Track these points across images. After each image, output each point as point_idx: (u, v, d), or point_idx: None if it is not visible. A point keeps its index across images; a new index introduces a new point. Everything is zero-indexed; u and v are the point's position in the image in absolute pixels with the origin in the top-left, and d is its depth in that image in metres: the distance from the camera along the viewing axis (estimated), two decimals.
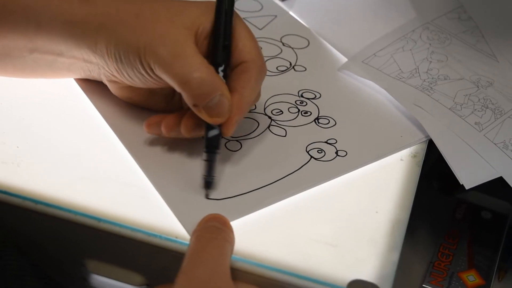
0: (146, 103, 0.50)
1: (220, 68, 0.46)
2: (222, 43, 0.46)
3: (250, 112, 0.53)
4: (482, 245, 0.60)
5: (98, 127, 0.50)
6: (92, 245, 0.46)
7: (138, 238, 0.43)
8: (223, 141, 0.50)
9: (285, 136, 0.51)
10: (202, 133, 0.46)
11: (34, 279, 0.47)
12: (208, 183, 0.46)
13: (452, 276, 0.57)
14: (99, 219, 0.43)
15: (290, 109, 0.54)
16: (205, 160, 0.46)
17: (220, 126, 0.45)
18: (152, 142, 0.49)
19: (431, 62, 0.60)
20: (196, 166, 0.47)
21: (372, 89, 0.56)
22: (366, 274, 0.42)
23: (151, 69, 0.45)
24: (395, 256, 0.44)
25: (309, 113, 0.53)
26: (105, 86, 0.51)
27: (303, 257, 0.43)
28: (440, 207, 0.63)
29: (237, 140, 0.50)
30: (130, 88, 0.49)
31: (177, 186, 0.46)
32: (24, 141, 0.48)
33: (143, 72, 0.45)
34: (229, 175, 0.47)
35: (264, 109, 0.53)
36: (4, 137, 0.48)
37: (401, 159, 0.50)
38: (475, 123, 0.54)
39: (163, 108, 0.50)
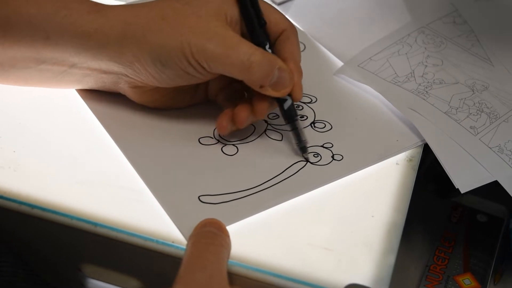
0: (171, 103, 0.51)
1: (266, 46, 0.48)
2: (257, 22, 0.48)
3: None
4: (478, 248, 0.60)
5: (95, 132, 0.50)
6: (88, 249, 0.46)
7: (135, 242, 0.43)
8: (219, 146, 0.50)
9: (281, 140, 0.51)
10: (273, 109, 0.50)
11: (27, 284, 0.47)
12: (304, 148, 0.49)
13: (448, 280, 0.57)
14: (95, 224, 0.43)
15: None
16: (292, 130, 0.49)
17: (289, 95, 0.48)
18: (149, 147, 0.49)
19: (426, 66, 0.60)
20: (193, 171, 0.48)
21: (367, 93, 0.57)
22: (362, 278, 0.42)
23: (201, 66, 0.45)
24: (391, 260, 0.44)
25: (305, 117, 0.54)
26: (104, 92, 0.51)
27: (299, 261, 0.43)
28: (436, 211, 0.64)
29: (233, 145, 0.50)
30: (155, 90, 0.49)
31: (174, 191, 0.46)
32: (21, 145, 0.48)
33: (191, 70, 0.46)
34: (225, 179, 0.47)
35: None
36: (1, 142, 0.48)
37: (396, 163, 0.51)
38: (470, 127, 0.54)
39: (187, 104, 0.51)
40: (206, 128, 0.51)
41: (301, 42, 0.61)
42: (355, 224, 0.46)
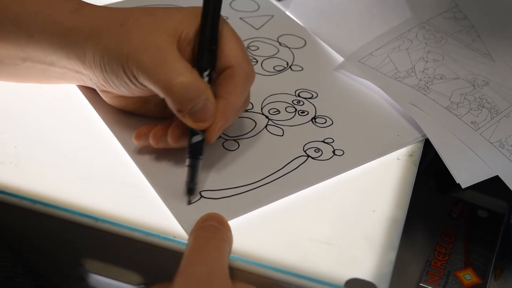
0: (140, 111, 0.50)
1: (205, 73, 0.45)
2: (207, 47, 0.45)
3: (247, 111, 0.53)
4: (478, 244, 0.60)
5: (96, 127, 0.50)
6: (90, 244, 0.46)
7: (136, 237, 0.43)
8: (220, 141, 0.50)
9: (282, 135, 0.51)
10: (184, 141, 0.46)
11: (26, 280, 0.47)
12: (190, 190, 0.45)
13: (448, 275, 0.57)
14: (97, 219, 0.44)
15: (287, 109, 0.54)
16: (188, 166, 0.45)
17: (203, 132, 0.45)
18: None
19: (427, 61, 0.60)
20: None
21: (368, 88, 0.57)
22: (363, 273, 0.42)
23: (135, 77, 0.44)
24: (392, 255, 0.44)
25: (306, 113, 0.54)
26: None
27: (301, 256, 0.43)
28: (436, 206, 0.64)
29: (234, 140, 0.50)
30: (123, 97, 0.49)
31: (175, 186, 0.46)
32: (22, 141, 0.48)
33: (126, 80, 0.45)
34: (227, 174, 0.47)
35: (261, 108, 0.53)
36: (2, 137, 0.48)
37: (397, 158, 0.51)
38: (471, 122, 0.54)
39: (157, 115, 0.50)
40: None
41: (302, 38, 0.62)
42: (356, 219, 0.46)
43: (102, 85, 0.48)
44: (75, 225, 0.44)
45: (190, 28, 0.46)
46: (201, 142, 0.45)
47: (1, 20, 0.46)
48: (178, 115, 0.44)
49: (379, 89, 0.56)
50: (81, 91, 0.52)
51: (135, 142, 0.48)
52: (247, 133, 0.51)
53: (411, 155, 0.51)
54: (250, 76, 0.46)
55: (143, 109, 0.50)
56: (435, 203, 0.64)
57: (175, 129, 0.46)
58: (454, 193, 0.64)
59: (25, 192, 0.45)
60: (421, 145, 0.52)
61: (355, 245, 0.44)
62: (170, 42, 0.44)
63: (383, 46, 0.61)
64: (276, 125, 0.52)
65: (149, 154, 0.48)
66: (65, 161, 0.47)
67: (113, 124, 0.50)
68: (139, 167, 0.47)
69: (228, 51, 0.46)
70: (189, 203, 0.45)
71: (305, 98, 0.55)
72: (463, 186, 0.49)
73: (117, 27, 0.45)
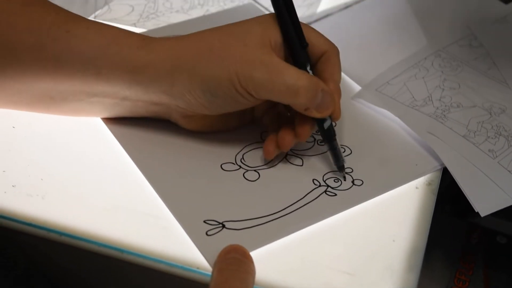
0: (220, 127, 0.53)
1: (308, 68, 0.49)
2: (299, 44, 0.49)
3: None
4: (498, 270, 0.60)
5: (120, 160, 0.51)
6: (115, 275, 0.46)
7: (160, 269, 0.44)
8: (241, 172, 0.51)
9: (302, 165, 0.52)
10: (314, 130, 0.51)
11: None
12: (341, 167, 0.51)
13: None
14: (122, 250, 0.44)
15: None
16: (330, 150, 0.51)
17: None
18: (173, 174, 0.50)
19: (443, 89, 0.60)
20: (217, 197, 0.48)
21: (386, 117, 0.57)
22: None
23: (249, 94, 0.47)
24: (413, 284, 0.44)
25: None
26: (127, 119, 0.52)
27: (322, 286, 0.43)
28: (454, 232, 0.64)
29: (254, 170, 0.51)
30: (206, 117, 0.51)
31: (198, 217, 0.47)
32: (48, 173, 0.49)
33: (239, 98, 0.47)
34: (248, 204, 0.48)
35: None
36: (29, 170, 0.49)
37: (416, 187, 0.51)
38: (489, 151, 0.54)
39: (235, 127, 0.53)
40: (228, 155, 0.52)
41: None
42: (377, 249, 0.46)
43: (192, 110, 0.49)
44: (100, 257, 0.45)
45: (275, 34, 0.48)
46: (331, 125, 0.50)
47: (65, 58, 0.47)
48: (305, 113, 0.48)
49: (397, 118, 0.56)
50: (105, 123, 0.53)
51: (268, 159, 0.51)
52: (267, 163, 0.52)
53: (429, 184, 0.52)
54: (339, 52, 0.51)
55: (222, 125, 0.53)
56: (453, 229, 0.64)
57: (303, 128, 0.50)
58: (472, 219, 0.64)
59: (52, 224, 0.45)
60: (439, 174, 0.53)
61: (376, 275, 0.44)
62: (268, 53, 0.47)
63: (399, 74, 0.62)
64: (295, 155, 0.53)
65: (172, 186, 0.49)
66: (91, 192, 0.48)
67: (137, 157, 0.51)
68: (162, 199, 0.48)
69: (316, 41, 0.50)
70: (345, 178, 0.51)
71: None
72: (482, 214, 0.50)
73: (207, 53, 0.47)
